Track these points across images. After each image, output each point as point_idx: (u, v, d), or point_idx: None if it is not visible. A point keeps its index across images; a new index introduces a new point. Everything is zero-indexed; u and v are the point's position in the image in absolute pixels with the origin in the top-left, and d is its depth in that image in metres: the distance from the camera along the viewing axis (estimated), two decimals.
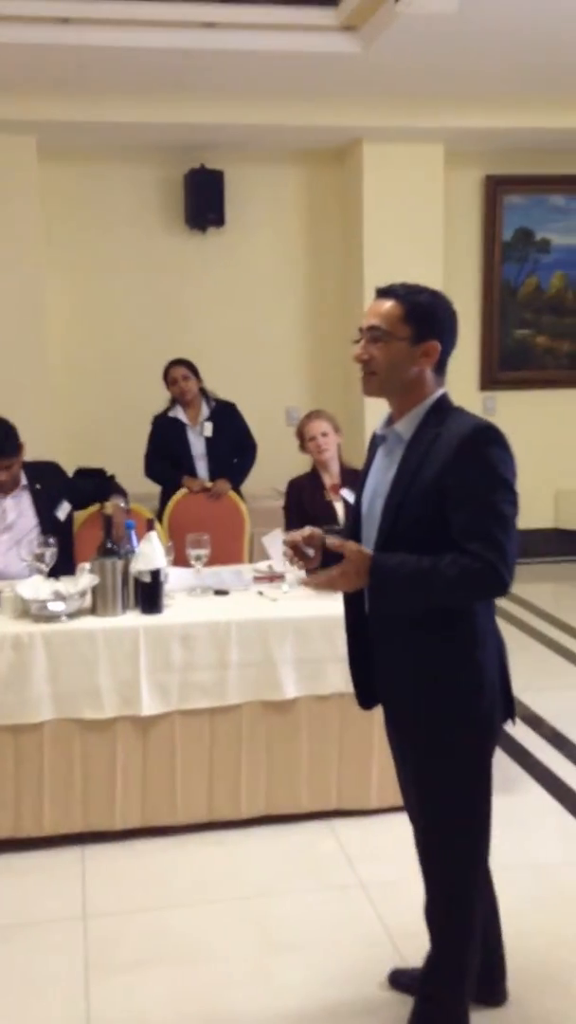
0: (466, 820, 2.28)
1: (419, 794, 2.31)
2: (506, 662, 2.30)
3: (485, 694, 2.21)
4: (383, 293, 2.23)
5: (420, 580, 2.07)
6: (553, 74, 5.82)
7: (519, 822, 3.46)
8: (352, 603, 2.37)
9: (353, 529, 2.37)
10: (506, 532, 2.07)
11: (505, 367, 7.38)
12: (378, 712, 3.42)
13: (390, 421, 2.29)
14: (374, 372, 2.21)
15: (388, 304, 2.20)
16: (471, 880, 2.32)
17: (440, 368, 2.25)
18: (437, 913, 2.37)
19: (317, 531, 2.31)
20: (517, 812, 3.54)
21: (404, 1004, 2.57)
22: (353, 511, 2.41)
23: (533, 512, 7.11)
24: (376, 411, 7.36)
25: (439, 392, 2.24)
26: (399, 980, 2.65)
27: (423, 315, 2.19)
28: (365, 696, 2.45)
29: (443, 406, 2.22)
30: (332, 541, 2.21)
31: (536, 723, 4.36)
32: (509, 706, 2.30)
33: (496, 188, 7.17)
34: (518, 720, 4.26)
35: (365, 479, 2.37)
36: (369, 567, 2.11)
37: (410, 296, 2.20)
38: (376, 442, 2.36)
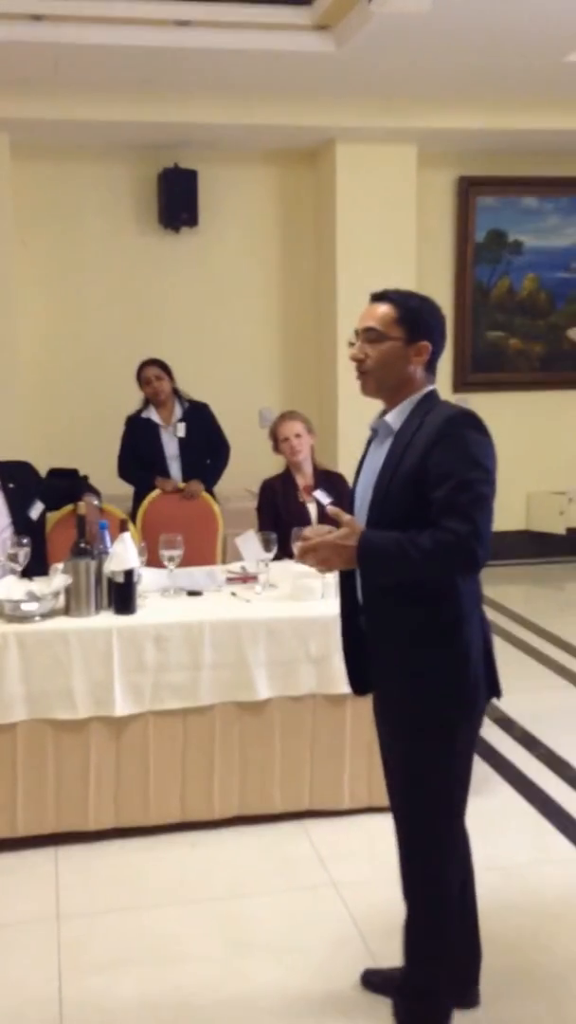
0: (446, 792, 2.32)
1: (403, 772, 2.36)
2: (491, 642, 2.39)
3: (470, 669, 2.28)
4: (378, 297, 2.37)
5: (398, 551, 2.15)
6: (526, 76, 5.86)
7: (489, 823, 3.48)
8: (347, 589, 2.45)
9: None
10: (480, 509, 2.16)
11: (478, 369, 7.42)
12: (351, 713, 3.48)
13: (383, 415, 2.40)
14: (369, 371, 2.34)
15: (383, 307, 2.34)
16: (445, 865, 2.36)
17: (431, 367, 2.38)
18: (413, 896, 2.40)
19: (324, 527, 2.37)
20: (487, 813, 3.56)
21: (376, 1004, 2.59)
22: (348, 506, 2.46)
23: (505, 514, 7.13)
24: (350, 412, 7.37)
25: (429, 388, 2.37)
26: (371, 980, 2.66)
27: (415, 318, 2.32)
28: (358, 682, 2.51)
29: (430, 399, 2.35)
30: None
31: (507, 725, 4.39)
32: (494, 684, 2.39)
33: (469, 189, 7.20)
34: (489, 722, 4.33)
35: (358, 473, 2.47)
36: (359, 539, 2.18)
37: (403, 300, 2.35)
38: (370, 436, 2.46)
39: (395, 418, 2.35)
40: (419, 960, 2.42)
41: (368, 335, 2.33)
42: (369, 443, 2.47)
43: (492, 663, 2.38)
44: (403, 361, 2.32)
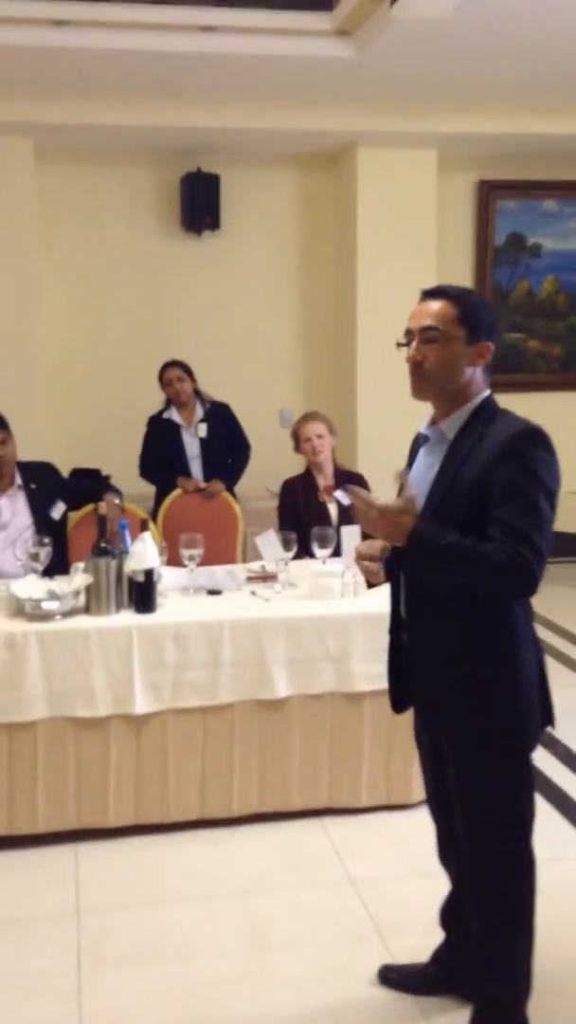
0: (509, 817, 2.26)
1: (462, 796, 2.28)
2: (544, 667, 2.27)
3: (521, 695, 2.20)
4: (433, 294, 2.24)
5: (462, 555, 2.04)
6: (547, 80, 5.86)
7: None
8: (394, 607, 2.37)
9: None
10: (541, 533, 2.06)
11: (497, 370, 7.34)
12: (369, 711, 3.50)
13: (434, 421, 2.29)
14: (427, 374, 2.20)
15: (440, 304, 2.21)
16: (518, 876, 2.30)
17: (487, 369, 2.26)
18: (488, 913, 2.34)
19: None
20: None
21: (394, 1000, 2.61)
22: None
23: None
24: (370, 414, 7.37)
25: (486, 393, 2.25)
26: (389, 977, 2.68)
27: (475, 316, 2.20)
28: (399, 700, 2.45)
29: (489, 407, 2.23)
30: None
31: None
32: (548, 711, 2.28)
33: (489, 193, 7.21)
34: None
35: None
36: (413, 525, 2.05)
37: (462, 297, 2.22)
38: (419, 442, 2.35)
39: (451, 426, 2.22)
40: (502, 981, 2.34)
41: (427, 334, 2.18)
42: (415, 448, 2.37)
43: (546, 689, 2.27)
44: (464, 363, 2.19)
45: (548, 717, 2.28)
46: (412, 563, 2.16)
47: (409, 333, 2.23)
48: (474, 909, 2.36)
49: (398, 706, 2.46)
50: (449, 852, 2.50)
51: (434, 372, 2.20)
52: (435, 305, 2.21)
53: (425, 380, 2.21)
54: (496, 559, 2.03)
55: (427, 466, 2.27)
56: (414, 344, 2.21)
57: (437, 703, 2.28)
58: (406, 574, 2.26)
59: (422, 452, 2.33)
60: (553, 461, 2.13)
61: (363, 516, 2.13)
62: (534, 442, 2.12)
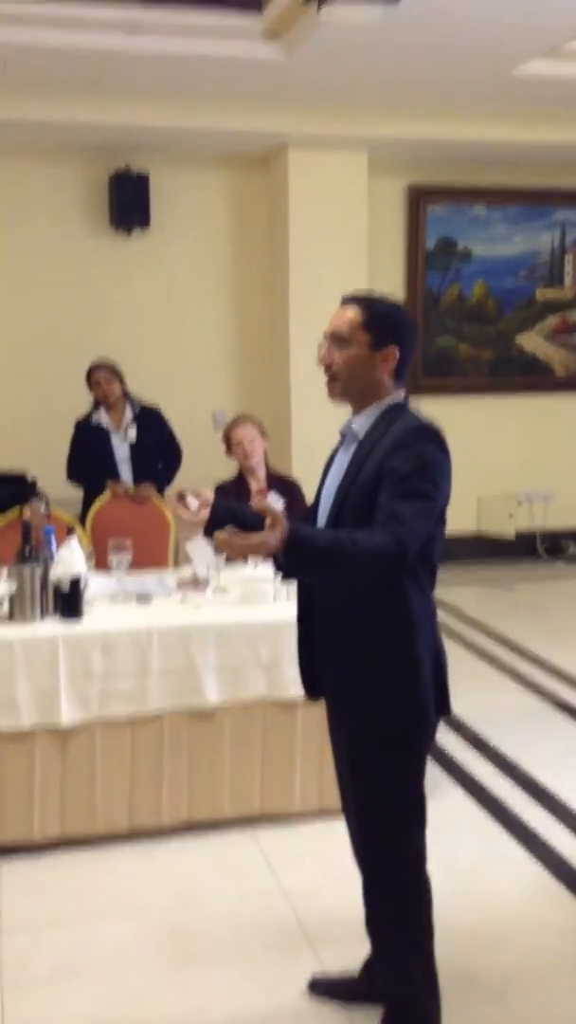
0: (401, 812, 2.32)
1: (354, 785, 2.34)
2: (443, 657, 2.34)
3: (420, 684, 2.25)
4: (347, 301, 2.35)
5: (334, 546, 2.06)
6: (474, 87, 5.91)
7: (439, 825, 3.43)
8: (303, 593, 2.42)
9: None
10: (415, 513, 2.12)
11: (429, 374, 7.46)
12: (301, 718, 3.47)
13: (352, 420, 2.39)
14: (335, 376, 2.33)
15: (350, 312, 2.32)
16: (413, 872, 2.35)
17: (399, 373, 2.34)
18: (385, 912, 2.38)
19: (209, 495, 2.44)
20: (437, 815, 3.49)
21: (324, 1011, 2.58)
22: (312, 509, 2.45)
23: (456, 517, 7.12)
24: (303, 415, 7.34)
25: (397, 396, 2.34)
26: (319, 987, 2.65)
27: (381, 322, 2.30)
28: (311, 687, 2.47)
29: (398, 408, 2.32)
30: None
31: (457, 726, 4.40)
32: (444, 700, 2.34)
33: (419, 197, 7.26)
34: (439, 724, 4.33)
35: (325, 476, 2.45)
36: (287, 532, 2.03)
37: (371, 304, 2.33)
38: (340, 441, 2.45)
39: (361, 425, 2.32)
40: (398, 980, 2.38)
41: (334, 339, 2.31)
42: (338, 446, 2.45)
43: (444, 680, 2.33)
44: (368, 367, 2.29)
45: (444, 706, 2.34)
46: (293, 566, 2.11)
47: (324, 337, 2.35)
48: (366, 905, 2.41)
49: (311, 691, 2.48)
50: None
51: (340, 374, 2.31)
52: (346, 312, 2.32)
53: (333, 382, 2.34)
54: (368, 543, 2.07)
55: (341, 464, 2.37)
56: (324, 348, 2.34)
57: (338, 689, 2.34)
58: (287, 578, 2.22)
59: (340, 449, 2.42)
60: (441, 457, 2.21)
61: (243, 551, 2.09)
62: (424, 437, 2.22)
